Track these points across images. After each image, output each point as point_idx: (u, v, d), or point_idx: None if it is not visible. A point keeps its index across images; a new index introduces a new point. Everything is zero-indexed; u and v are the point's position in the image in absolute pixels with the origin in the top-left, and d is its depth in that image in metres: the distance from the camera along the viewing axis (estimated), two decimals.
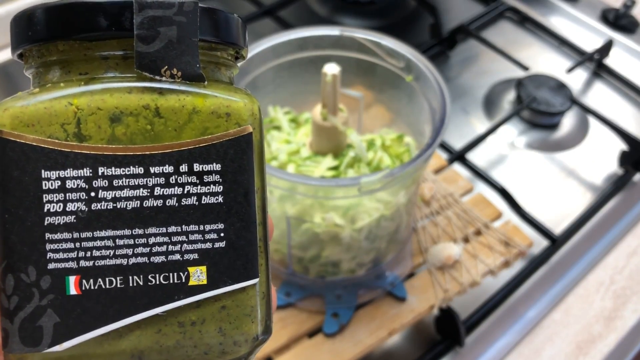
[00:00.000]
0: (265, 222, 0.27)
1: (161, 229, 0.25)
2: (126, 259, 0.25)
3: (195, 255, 0.25)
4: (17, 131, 0.24)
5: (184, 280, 0.25)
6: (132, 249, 0.25)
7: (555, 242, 0.72)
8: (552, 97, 0.87)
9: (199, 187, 0.25)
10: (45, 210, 0.24)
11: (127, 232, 0.25)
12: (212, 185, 0.25)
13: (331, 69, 0.57)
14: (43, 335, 0.24)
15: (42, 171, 0.24)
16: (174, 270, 0.25)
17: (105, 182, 0.24)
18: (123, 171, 0.24)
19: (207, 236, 0.25)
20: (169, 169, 0.25)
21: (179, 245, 0.25)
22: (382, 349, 0.65)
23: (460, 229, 0.69)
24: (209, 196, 0.25)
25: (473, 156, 0.81)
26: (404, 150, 0.64)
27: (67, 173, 0.24)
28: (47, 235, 0.24)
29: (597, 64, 0.96)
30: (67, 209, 0.24)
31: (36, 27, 0.25)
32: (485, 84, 0.94)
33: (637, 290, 0.70)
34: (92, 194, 0.24)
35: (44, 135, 0.24)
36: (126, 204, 0.25)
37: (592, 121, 0.88)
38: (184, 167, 0.25)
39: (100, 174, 0.24)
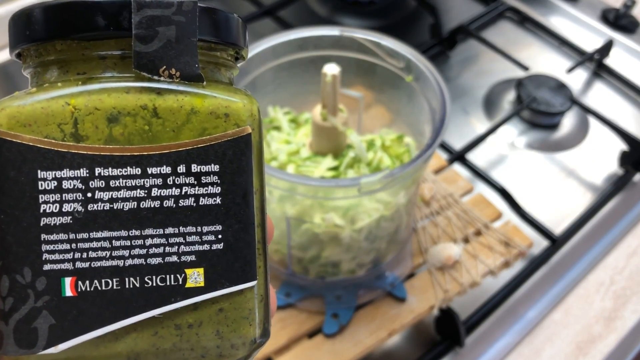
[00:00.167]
0: (264, 223, 0.27)
1: (158, 230, 0.25)
2: (123, 261, 0.24)
3: (193, 257, 0.25)
4: (13, 131, 0.24)
5: (181, 282, 0.25)
6: (128, 251, 0.24)
7: (555, 242, 0.72)
8: (552, 97, 0.87)
9: (196, 188, 0.25)
10: (42, 210, 0.24)
11: (123, 233, 0.24)
12: (210, 187, 0.25)
13: (331, 69, 0.57)
14: (38, 337, 0.24)
15: (39, 171, 0.24)
16: (170, 272, 0.25)
17: (102, 183, 0.24)
18: (120, 172, 0.24)
19: (205, 238, 0.25)
20: (166, 169, 0.25)
21: (176, 247, 0.25)
22: (382, 350, 0.65)
23: (460, 229, 0.69)
24: (206, 197, 0.25)
25: (473, 156, 0.81)
26: (404, 151, 0.63)
27: (64, 173, 0.24)
28: (43, 236, 0.24)
29: (597, 64, 0.96)
30: (63, 210, 0.24)
31: (34, 26, 0.25)
32: (485, 84, 0.93)
33: (637, 290, 0.70)
34: (89, 194, 0.24)
35: (41, 135, 0.24)
36: (123, 205, 0.24)
37: (592, 121, 0.88)
38: (181, 168, 0.25)
39: (97, 174, 0.24)
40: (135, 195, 0.24)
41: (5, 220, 0.24)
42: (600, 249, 0.73)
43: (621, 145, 0.83)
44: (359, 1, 1.05)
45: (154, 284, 0.25)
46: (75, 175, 0.24)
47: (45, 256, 0.24)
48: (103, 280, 0.24)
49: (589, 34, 1.02)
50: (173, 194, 0.25)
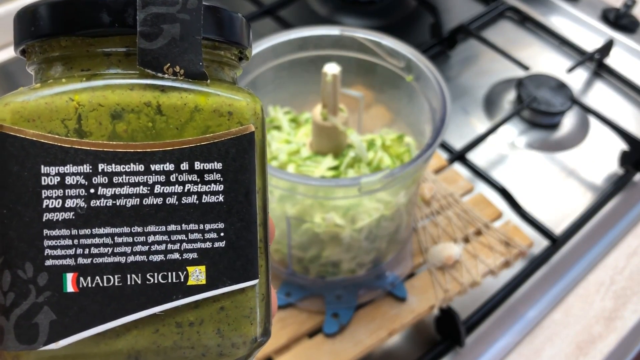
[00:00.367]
0: (266, 222, 0.27)
1: (160, 227, 0.25)
2: (124, 257, 0.24)
3: (195, 255, 0.25)
4: (17, 126, 0.24)
5: (182, 280, 0.25)
6: (130, 247, 0.24)
7: (556, 242, 0.72)
8: (553, 97, 0.87)
9: (199, 185, 0.25)
10: (44, 206, 0.24)
11: (126, 229, 0.24)
12: (212, 184, 0.25)
13: (331, 69, 0.57)
14: (39, 333, 0.24)
15: (42, 167, 0.24)
16: (172, 270, 0.25)
17: (105, 179, 0.24)
18: (123, 168, 0.24)
19: (207, 235, 0.25)
20: (169, 166, 0.25)
21: (178, 244, 0.25)
22: (382, 349, 0.64)
23: (461, 229, 0.69)
24: (209, 195, 0.25)
25: (473, 156, 0.81)
26: (404, 151, 0.63)
27: (67, 169, 0.24)
28: (45, 231, 0.24)
29: (597, 63, 0.96)
30: (66, 206, 0.24)
31: (39, 22, 0.25)
32: (486, 83, 0.93)
33: (637, 290, 0.70)
34: (92, 190, 0.24)
35: (44, 131, 0.24)
36: (126, 202, 0.24)
37: (593, 121, 0.88)
38: (184, 166, 0.25)
39: (100, 170, 0.24)
40: (138, 192, 0.24)
41: (8, 215, 0.24)
42: (601, 249, 0.73)
43: (621, 145, 0.83)
44: (359, 1, 1.05)
45: (156, 281, 0.25)
46: (79, 171, 0.24)
47: (47, 252, 0.24)
48: (105, 277, 0.24)
49: (589, 33, 1.02)
50: (176, 191, 0.25)
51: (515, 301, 0.68)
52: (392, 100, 0.66)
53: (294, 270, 0.63)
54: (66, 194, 0.24)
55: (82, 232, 0.24)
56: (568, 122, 0.89)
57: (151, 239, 0.25)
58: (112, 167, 0.24)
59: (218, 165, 0.25)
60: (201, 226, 0.25)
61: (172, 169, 0.25)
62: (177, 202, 0.25)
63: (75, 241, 0.24)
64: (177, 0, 0.24)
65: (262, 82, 0.63)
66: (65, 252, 0.24)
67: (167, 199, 0.25)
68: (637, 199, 0.78)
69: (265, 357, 0.59)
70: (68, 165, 0.24)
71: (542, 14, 1.05)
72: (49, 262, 0.24)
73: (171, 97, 0.25)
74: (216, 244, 0.25)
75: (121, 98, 0.24)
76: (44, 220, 0.24)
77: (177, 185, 0.25)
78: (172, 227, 0.25)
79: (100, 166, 0.24)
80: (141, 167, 0.24)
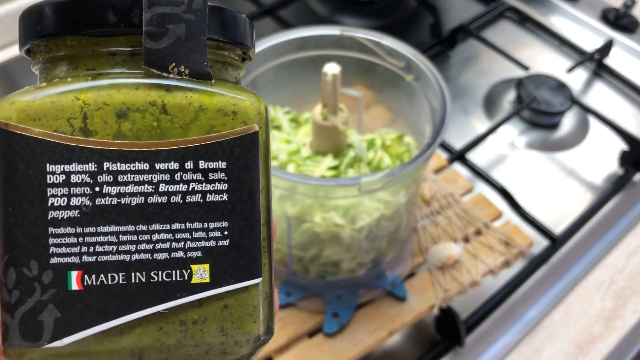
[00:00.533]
0: (269, 222, 0.27)
1: (165, 225, 0.25)
2: (129, 255, 0.24)
3: (199, 253, 0.25)
4: (23, 124, 0.24)
5: (186, 278, 0.25)
6: (135, 245, 0.25)
7: (556, 242, 0.72)
8: (552, 97, 0.87)
9: (204, 184, 0.25)
10: (49, 204, 0.24)
11: (130, 228, 0.24)
12: (217, 183, 0.25)
13: (331, 69, 0.57)
14: (43, 331, 0.24)
15: (47, 165, 0.24)
16: (176, 268, 0.25)
17: (110, 178, 0.24)
18: (128, 167, 0.24)
19: (211, 234, 0.25)
20: (174, 165, 0.25)
21: (183, 243, 0.25)
22: (382, 349, 0.65)
23: (461, 229, 0.69)
24: (213, 194, 0.25)
25: (473, 156, 0.81)
26: (404, 150, 0.63)
27: (72, 167, 0.24)
28: (50, 229, 0.24)
29: (597, 63, 0.96)
30: (71, 204, 0.24)
31: (45, 22, 0.25)
32: (485, 83, 0.94)
33: (637, 290, 0.70)
34: (97, 189, 0.24)
35: (50, 129, 0.24)
36: (130, 200, 0.24)
37: (592, 121, 0.88)
38: (189, 164, 0.25)
39: (105, 169, 0.24)
40: (142, 191, 0.24)
41: (13, 213, 0.24)
42: (600, 249, 0.73)
43: (621, 145, 0.83)
44: (359, 1, 1.06)
45: (160, 279, 0.25)
46: (84, 170, 0.24)
47: (52, 249, 0.24)
48: (109, 275, 0.24)
49: (589, 33, 1.02)
50: (180, 189, 0.25)
51: (515, 301, 0.68)
52: (392, 100, 0.66)
53: (294, 270, 0.63)
54: (71, 192, 0.24)
55: (87, 230, 0.24)
56: (568, 122, 0.89)
57: (155, 237, 0.25)
58: (117, 166, 0.24)
59: (222, 165, 0.25)
60: (205, 225, 0.25)
61: (177, 168, 0.25)
62: (181, 201, 0.25)
63: (80, 239, 0.24)
64: (182, 0, 0.25)
65: (262, 82, 0.63)
66: (70, 250, 0.24)
67: (172, 197, 0.25)
68: (637, 199, 0.78)
69: (266, 357, 0.59)
70: (73, 164, 0.24)
71: (542, 14, 1.05)
72: (53, 260, 0.24)
73: (176, 97, 0.25)
74: (220, 243, 0.25)
75: (126, 97, 0.24)
76: (49, 218, 0.24)
77: (181, 184, 0.25)
78: (176, 226, 0.25)
79: (106, 165, 0.24)
80: (146, 166, 0.24)
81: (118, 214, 0.24)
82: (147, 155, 0.25)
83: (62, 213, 0.24)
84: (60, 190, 0.24)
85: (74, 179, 0.24)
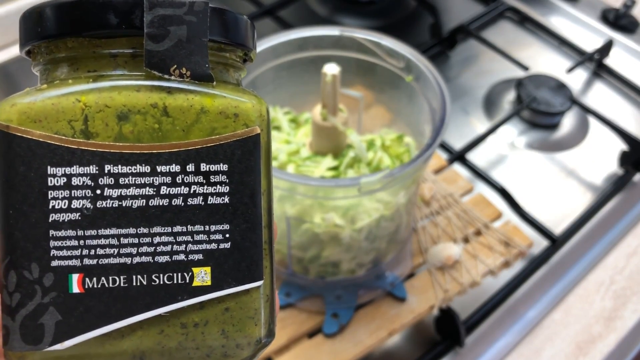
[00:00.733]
0: (270, 224, 0.27)
1: (166, 228, 0.25)
2: (130, 258, 0.24)
3: (200, 256, 0.25)
4: (24, 127, 0.24)
5: (187, 281, 0.25)
6: (136, 248, 0.24)
7: (555, 242, 0.72)
8: (552, 97, 0.87)
9: (205, 187, 0.25)
10: (50, 206, 0.24)
11: (131, 230, 0.24)
12: (218, 186, 0.25)
13: (331, 69, 0.57)
14: (44, 334, 0.24)
15: (48, 167, 0.24)
16: (178, 271, 0.25)
17: (111, 180, 0.24)
18: (129, 169, 0.24)
19: (212, 237, 0.25)
20: (175, 168, 0.25)
21: (184, 245, 0.25)
22: (382, 349, 0.65)
23: (460, 229, 0.69)
24: (215, 196, 0.25)
25: (473, 156, 0.81)
26: (404, 151, 0.63)
27: (73, 170, 0.24)
28: (52, 232, 0.24)
29: (597, 64, 0.96)
30: (72, 206, 0.24)
31: (46, 23, 0.25)
32: (485, 84, 0.94)
33: (637, 290, 0.70)
34: (98, 191, 0.24)
35: (51, 132, 0.24)
36: (132, 203, 0.24)
37: (592, 121, 0.88)
38: (190, 167, 0.25)
39: (106, 171, 0.24)
40: (144, 193, 0.24)
41: (14, 216, 0.24)
42: (600, 249, 0.73)
43: (621, 145, 0.83)
44: (359, 1, 1.05)
45: (161, 282, 0.25)
46: (85, 172, 0.24)
47: (53, 252, 0.24)
48: (110, 278, 0.24)
49: (589, 34, 1.02)
50: (182, 192, 0.25)
51: (515, 301, 0.68)
52: (391, 100, 0.66)
53: (294, 270, 0.63)
54: (72, 195, 0.24)
55: (88, 232, 0.24)
56: (568, 122, 0.89)
57: (157, 240, 0.25)
58: (118, 168, 0.24)
59: (224, 167, 0.25)
60: (207, 227, 0.25)
61: (178, 171, 0.25)
62: (182, 204, 0.25)
63: (81, 242, 0.24)
64: (184, 2, 0.24)
65: (262, 82, 0.63)
66: (71, 252, 0.24)
67: (173, 200, 0.25)
68: (636, 199, 0.78)
69: (265, 357, 0.59)
70: (74, 166, 0.24)
71: (541, 14, 1.05)
72: (54, 263, 0.24)
73: (177, 99, 0.25)
74: (221, 245, 0.25)
75: (127, 99, 0.24)
76: (50, 220, 0.24)
77: (183, 187, 0.25)
78: (177, 228, 0.25)
79: (107, 167, 0.24)
80: (147, 169, 0.24)
81: (119, 216, 0.24)
82: (149, 158, 0.24)
83: (63, 216, 0.24)
84: (61, 193, 0.24)
85: (75, 181, 0.24)
